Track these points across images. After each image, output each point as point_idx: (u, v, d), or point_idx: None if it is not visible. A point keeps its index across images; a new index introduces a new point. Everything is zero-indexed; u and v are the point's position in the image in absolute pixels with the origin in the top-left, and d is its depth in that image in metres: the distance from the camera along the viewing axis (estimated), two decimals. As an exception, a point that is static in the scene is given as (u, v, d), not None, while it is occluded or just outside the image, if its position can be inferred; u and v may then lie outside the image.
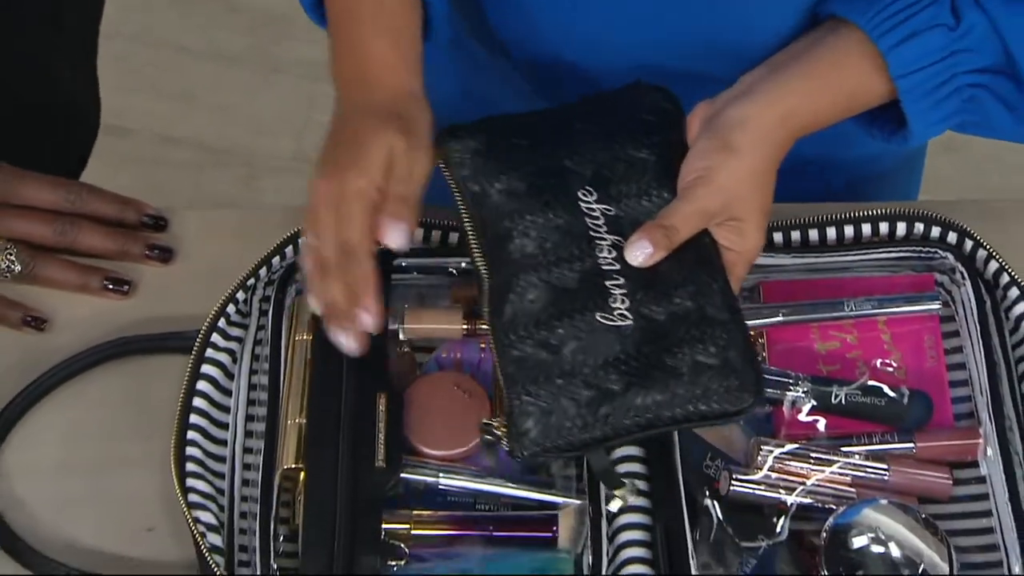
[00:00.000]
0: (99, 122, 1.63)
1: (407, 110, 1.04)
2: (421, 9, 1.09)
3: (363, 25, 1.07)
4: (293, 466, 1.03)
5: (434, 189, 1.06)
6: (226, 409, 1.08)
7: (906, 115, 1.04)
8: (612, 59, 1.15)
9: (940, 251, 1.12)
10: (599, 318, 1.00)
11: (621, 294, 1.01)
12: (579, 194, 1.04)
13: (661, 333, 1.00)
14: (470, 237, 1.04)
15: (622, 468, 1.04)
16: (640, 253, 1.00)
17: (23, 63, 1.42)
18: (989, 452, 1.06)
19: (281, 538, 1.03)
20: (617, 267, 1.02)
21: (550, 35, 1.18)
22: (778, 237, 1.13)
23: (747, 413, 0.99)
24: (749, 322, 1.09)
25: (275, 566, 1.01)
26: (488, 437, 1.03)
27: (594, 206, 1.04)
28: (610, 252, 1.02)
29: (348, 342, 1.00)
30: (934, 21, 1.02)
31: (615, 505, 1.01)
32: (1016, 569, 1.01)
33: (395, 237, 1.01)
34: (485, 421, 1.03)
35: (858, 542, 1.02)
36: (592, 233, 1.03)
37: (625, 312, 1.00)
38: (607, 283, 1.01)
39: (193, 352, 1.08)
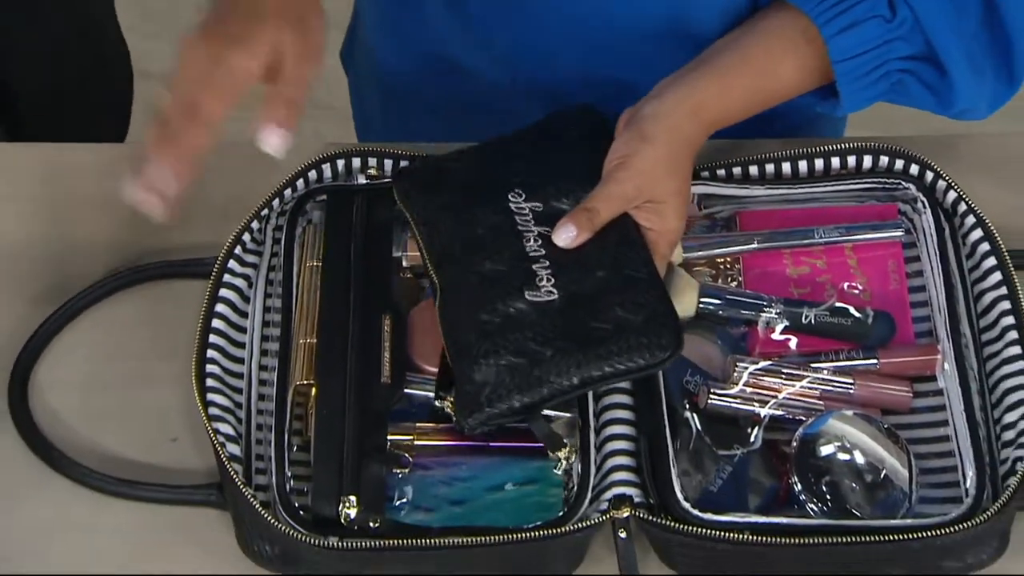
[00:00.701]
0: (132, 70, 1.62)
1: (306, 13, 1.01)
2: None
3: None
4: (305, 382, 1.04)
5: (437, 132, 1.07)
6: (242, 330, 1.09)
7: (839, 93, 1.06)
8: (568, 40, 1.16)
9: (903, 182, 1.12)
10: (527, 296, 1.02)
11: (547, 274, 1.04)
12: (509, 196, 1.07)
13: (586, 302, 1.02)
14: (423, 257, 1.07)
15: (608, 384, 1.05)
16: (565, 235, 1.03)
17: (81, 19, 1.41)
18: (946, 367, 1.06)
19: (294, 448, 1.04)
20: (543, 252, 1.04)
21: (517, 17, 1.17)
22: (754, 170, 1.14)
23: (667, 365, 1.01)
24: (727, 249, 1.11)
25: (289, 473, 1.01)
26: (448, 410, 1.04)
27: (523, 205, 1.07)
28: (536, 240, 1.05)
29: (151, 200, 0.98)
30: (872, 12, 1.04)
31: (559, 468, 1.03)
32: (969, 474, 1.02)
33: (275, 143, 1.00)
34: (440, 395, 1.04)
35: (825, 450, 1.02)
36: (520, 228, 1.06)
37: (551, 289, 1.03)
38: (534, 266, 1.04)
39: (212, 277, 1.08)
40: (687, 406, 1.05)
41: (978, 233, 1.10)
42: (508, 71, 1.22)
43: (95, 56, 1.53)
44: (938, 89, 1.07)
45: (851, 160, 1.13)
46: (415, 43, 1.25)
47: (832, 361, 1.08)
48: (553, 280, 1.03)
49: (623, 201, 1.04)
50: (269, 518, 0.99)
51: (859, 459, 1.02)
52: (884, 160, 1.13)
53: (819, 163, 1.13)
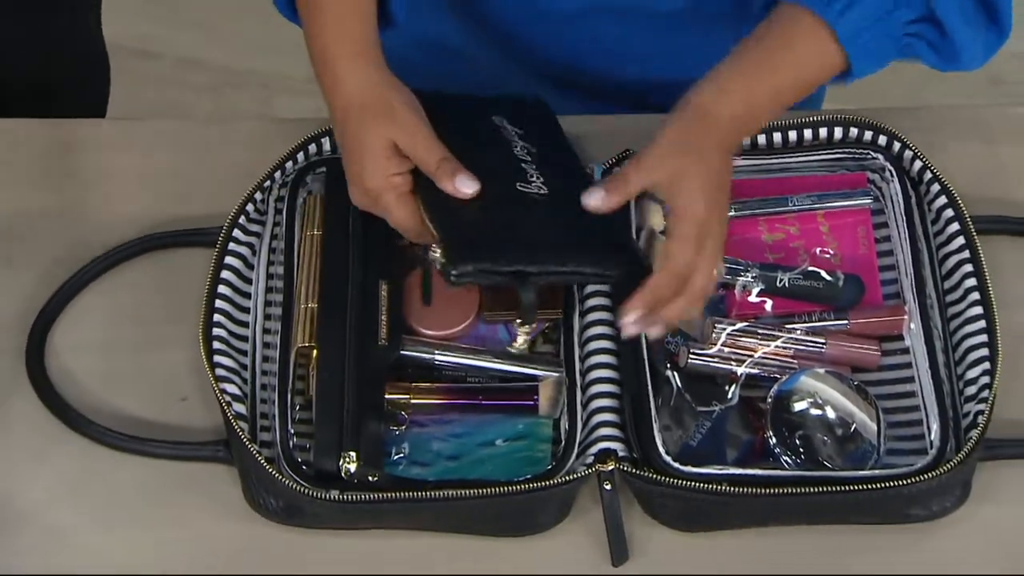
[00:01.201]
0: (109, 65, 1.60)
1: (386, 100, 1.02)
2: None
3: (326, 31, 1.04)
4: (307, 344, 1.04)
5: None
6: (247, 295, 1.09)
7: (851, 68, 1.03)
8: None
9: (872, 152, 1.13)
10: (519, 187, 1.03)
11: (536, 174, 1.05)
12: (494, 119, 1.09)
13: (570, 203, 1.02)
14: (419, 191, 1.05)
15: (594, 345, 1.05)
16: (596, 196, 1.01)
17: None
18: (912, 327, 1.07)
19: (297, 407, 1.04)
20: (531, 159, 1.06)
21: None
22: (731, 141, 1.14)
23: (612, 279, 1.03)
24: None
25: (292, 431, 1.02)
26: (433, 255, 1.01)
27: (507, 126, 1.09)
28: (523, 150, 1.07)
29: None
30: None
31: (521, 341, 1.05)
32: (934, 427, 1.02)
33: (468, 184, 1.00)
34: (425, 247, 1.03)
35: (799, 406, 1.03)
36: (508, 138, 1.08)
37: (541, 186, 1.04)
38: (523, 165, 1.05)
39: (217, 246, 1.09)
40: (668, 365, 1.06)
41: (943, 200, 1.11)
42: (507, 58, 1.22)
43: (75, 56, 1.51)
44: (940, 47, 1.04)
45: (823, 132, 1.14)
46: (411, 29, 1.25)
47: (805, 322, 1.08)
48: (542, 179, 1.04)
49: (651, 180, 1.01)
50: (273, 473, 0.99)
51: (830, 414, 1.03)
52: (854, 132, 1.14)
53: (792, 135, 1.14)
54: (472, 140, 1.05)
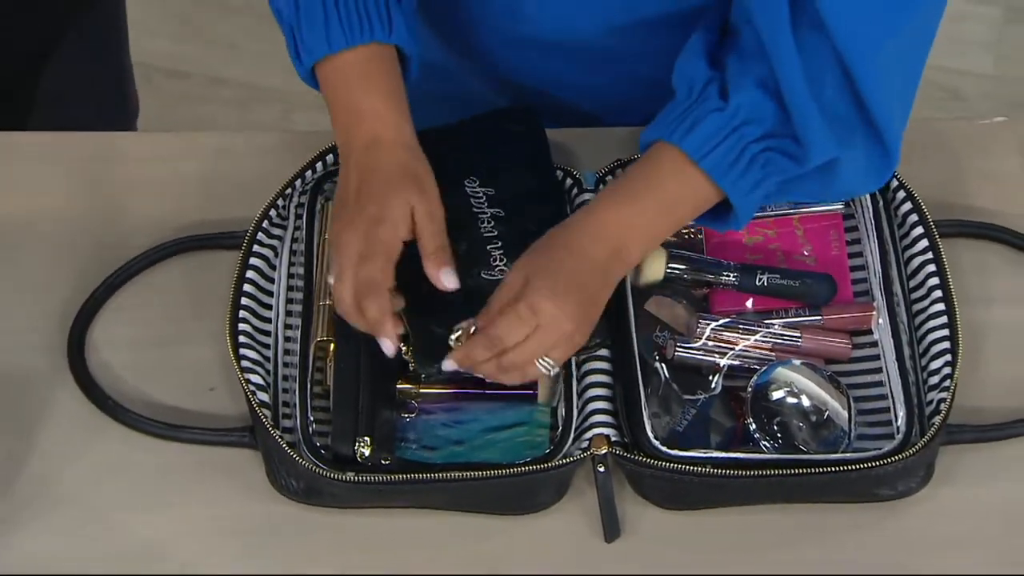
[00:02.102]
0: (132, 105, 1.59)
1: (414, 167, 1.01)
2: (397, 58, 1.04)
3: (353, 89, 1.01)
4: (325, 339, 1.04)
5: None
6: (270, 293, 1.09)
7: (724, 191, 0.99)
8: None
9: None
10: (484, 275, 1.03)
11: (499, 255, 1.04)
12: (465, 182, 1.08)
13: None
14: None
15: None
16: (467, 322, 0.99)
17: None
18: (880, 322, 1.07)
19: (316, 396, 1.04)
20: (495, 233, 1.05)
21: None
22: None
23: (594, 351, 1.03)
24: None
25: (311, 418, 1.02)
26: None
27: (478, 190, 1.07)
28: (489, 222, 1.06)
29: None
30: (709, 108, 0.98)
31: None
32: (900, 414, 1.02)
33: (451, 279, 1.00)
34: (403, 347, 1.02)
35: (776, 395, 1.03)
36: (475, 210, 1.06)
37: (504, 268, 1.04)
38: (488, 247, 1.05)
39: (242, 248, 1.09)
40: (657, 358, 1.06)
41: (908, 206, 1.11)
42: (495, 84, 1.21)
43: (118, 96, 1.51)
44: (797, 155, 0.98)
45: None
46: None
47: (782, 318, 1.08)
48: (505, 260, 1.04)
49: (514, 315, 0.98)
50: (295, 456, 0.99)
51: (805, 402, 1.03)
52: (827, 143, 1.13)
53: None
54: (447, 227, 1.04)
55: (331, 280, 1.00)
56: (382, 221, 0.99)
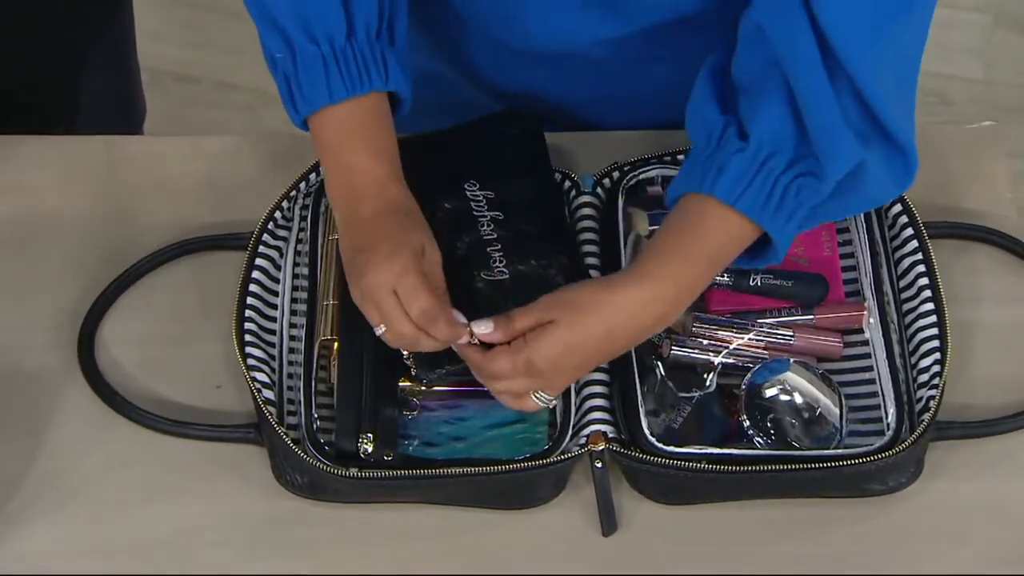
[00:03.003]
0: (138, 111, 1.59)
1: (413, 212, 0.99)
2: (390, 102, 1.01)
3: (346, 145, 0.99)
4: (329, 337, 1.04)
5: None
6: (275, 293, 1.08)
7: (763, 227, 0.95)
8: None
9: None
10: (483, 276, 1.02)
11: (499, 256, 1.03)
12: (465, 186, 1.07)
13: (528, 282, 1.02)
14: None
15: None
16: (484, 327, 0.97)
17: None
18: (871, 321, 1.07)
19: (320, 393, 1.04)
20: (495, 236, 1.04)
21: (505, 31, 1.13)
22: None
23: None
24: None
25: (315, 415, 1.02)
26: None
27: (478, 193, 1.07)
28: (488, 225, 1.05)
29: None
30: (732, 151, 0.94)
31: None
32: (891, 411, 1.02)
33: (484, 326, 0.97)
34: (403, 354, 1.02)
35: (770, 392, 1.03)
36: (475, 213, 1.05)
37: (503, 269, 1.03)
38: (488, 249, 1.04)
39: (248, 249, 1.08)
40: (653, 356, 1.05)
41: (898, 208, 1.10)
42: (492, 95, 1.20)
43: (127, 101, 1.50)
44: (819, 173, 0.95)
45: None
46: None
47: (775, 317, 1.08)
48: (504, 262, 1.04)
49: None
50: (299, 452, 0.99)
51: (798, 399, 1.03)
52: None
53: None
54: (446, 229, 1.04)
55: (379, 332, 0.97)
56: (402, 253, 0.95)
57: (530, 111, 1.14)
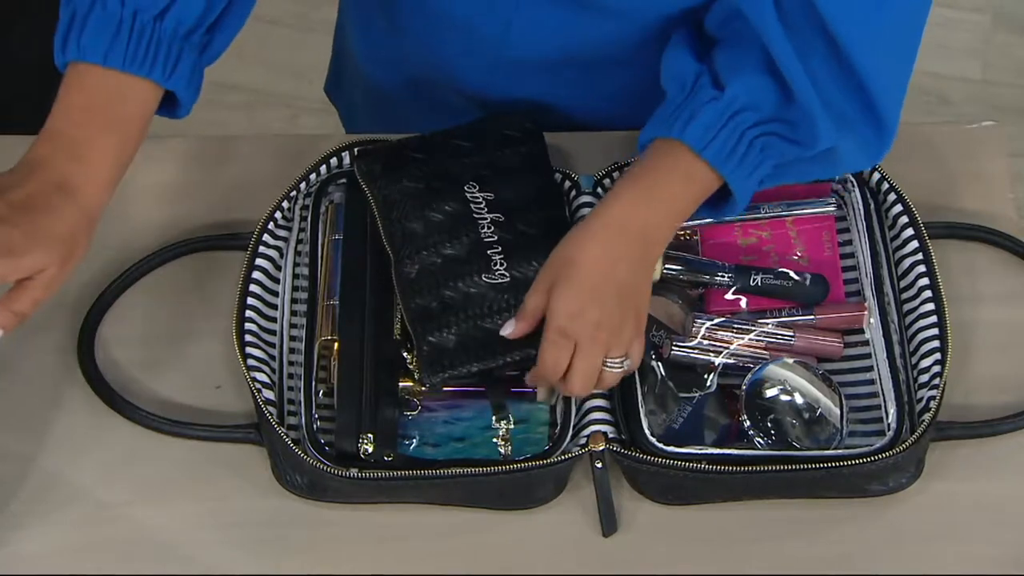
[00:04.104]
0: None
1: (77, 239, 0.93)
2: (153, 103, 0.97)
3: (90, 123, 0.94)
4: (329, 338, 1.04)
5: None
6: (275, 293, 1.08)
7: (725, 179, 0.98)
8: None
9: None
10: (484, 278, 1.03)
11: (500, 259, 1.03)
12: (465, 188, 1.07)
13: (528, 286, 1.01)
14: (382, 233, 1.06)
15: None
16: (507, 329, 1.00)
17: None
18: (872, 321, 1.07)
19: (320, 394, 1.04)
20: (495, 238, 1.05)
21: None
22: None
23: None
24: (688, 222, 1.10)
25: (316, 415, 1.02)
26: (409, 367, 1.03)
27: (478, 195, 1.06)
28: (489, 227, 1.05)
29: None
30: (705, 99, 0.98)
31: (503, 424, 1.03)
32: (891, 411, 1.02)
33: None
34: (404, 356, 1.03)
35: (770, 392, 1.03)
36: (475, 215, 1.06)
37: (504, 272, 1.03)
38: (489, 251, 1.04)
39: (249, 249, 1.08)
40: (653, 356, 1.05)
41: (898, 208, 1.10)
42: (477, 100, 1.20)
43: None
44: (797, 138, 0.98)
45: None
46: (400, 70, 1.24)
47: (776, 317, 1.08)
48: (505, 264, 1.04)
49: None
50: (299, 453, 0.99)
51: (798, 400, 1.03)
52: (820, 147, 1.13)
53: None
54: (446, 231, 1.04)
55: None
56: (7, 254, 0.89)
57: (529, 112, 1.14)
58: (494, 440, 1.02)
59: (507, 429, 1.02)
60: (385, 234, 1.05)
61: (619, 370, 0.99)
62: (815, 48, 0.94)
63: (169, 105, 1.00)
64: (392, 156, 1.10)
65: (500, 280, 1.03)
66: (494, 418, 1.03)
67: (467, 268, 1.03)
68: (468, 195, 1.07)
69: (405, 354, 1.02)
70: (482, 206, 1.06)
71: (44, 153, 0.94)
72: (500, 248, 1.04)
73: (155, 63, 0.95)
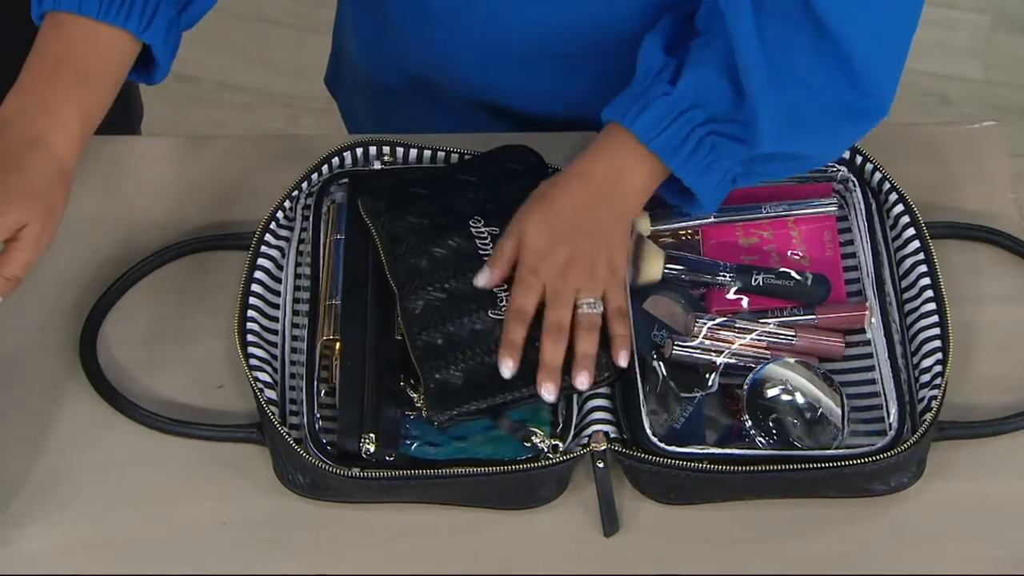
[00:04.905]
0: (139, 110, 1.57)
1: (55, 191, 0.94)
2: (130, 58, 0.97)
3: (62, 79, 0.94)
4: (331, 337, 1.04)
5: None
6: (277, 293, 1.08)
7: (673, 172, 1.01)
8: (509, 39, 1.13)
9: (837, 165, 1.12)
10: (491, 314, 1.02)
11: (506, 296, 1.03)
12: (470, 222, 1.07)
13: (537, 322, 1.01)
14: (387, 270, 1.05)
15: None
16: (482, 278, 1.03)
17: None
18: (873, 321, 1.06)
19: (322, 393, 1.04)
20: (504, 285, 1.04)
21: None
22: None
23: (602, 386, 1.02)
24: (688, 222, 1.10)
25: (318, 415, 1.02)
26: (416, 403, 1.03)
27: (483, 230, 1.06)
28: None
29: None
30: (659, 92, 1.01)
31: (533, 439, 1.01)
32: (893, 411, 1.02)
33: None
34: (410, 394, 1.02)
35: (771, 392, 1.03)
36: (480, 252, 1.05)
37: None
38: (495, 288, 1.03)
39: (251, 249, 1.08)
40: (655, 356, 1.05)
41: (900, 208, 1.10)
42: (471, 95, 1.21)
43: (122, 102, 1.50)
44: (743, 137, 1.00)
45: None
46: (396, 67, 1.24)
47: (777, 317, 1.08)
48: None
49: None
50: (301, 452, 0.99)
51: (800, 399, 1.03)
52: (821, 147, 1.13)
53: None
54: (451, 266, 1.04)
55: None
56: None
57: (532, 148, 1.13)
58: (525, 444, 1.01)
59: (543, 435, 1.01)
60: (390, 270, 1.05)
61: (593, 312, 1.00)
62: (801, 33, 0.95)
63: (145, 66, 0.99)
64: (396, 192, 1.09)
65: (505, 317, 1.02)
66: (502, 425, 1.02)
67: (472, 304, 1.03)
68: (473, 230, 1.07)
69: (412, 393, 1.02)
70: (487, 241, 1.06)
71: (13, 110, 0.94)
72: (505, 285, 1.04)
73: (131, 14, 0.95)
